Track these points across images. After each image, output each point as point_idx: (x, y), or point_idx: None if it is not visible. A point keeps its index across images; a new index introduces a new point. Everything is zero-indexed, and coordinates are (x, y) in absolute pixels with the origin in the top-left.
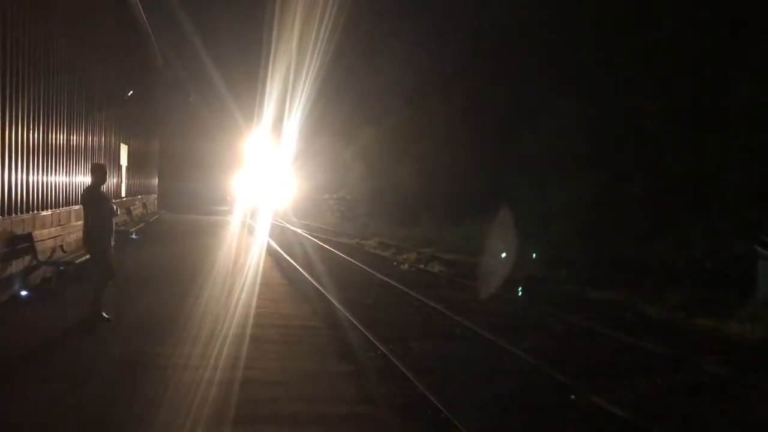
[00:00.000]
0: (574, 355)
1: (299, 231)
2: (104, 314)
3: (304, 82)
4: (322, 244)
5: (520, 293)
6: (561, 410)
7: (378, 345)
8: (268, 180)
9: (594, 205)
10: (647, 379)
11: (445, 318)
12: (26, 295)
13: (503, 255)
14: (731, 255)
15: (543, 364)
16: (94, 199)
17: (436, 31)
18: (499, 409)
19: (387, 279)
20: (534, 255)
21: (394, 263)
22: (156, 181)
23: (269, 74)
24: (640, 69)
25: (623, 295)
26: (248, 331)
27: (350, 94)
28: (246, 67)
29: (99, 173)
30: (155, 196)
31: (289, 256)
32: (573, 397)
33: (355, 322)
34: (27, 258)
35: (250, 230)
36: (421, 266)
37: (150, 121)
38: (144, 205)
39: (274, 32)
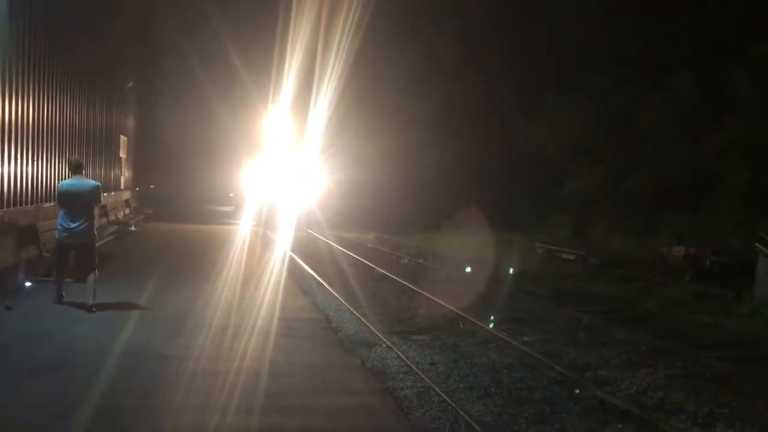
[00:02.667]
0: (576, 348)
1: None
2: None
3: (339, 46)
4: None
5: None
6: (565, 402)
7: None
8: (290, 174)
9: (591, 200)
10: (648, 372)
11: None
12: (30, 286)
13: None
14: (730, 252)
15: (544, 357)
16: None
17: (433, 22)
18: (503, 400)
19: None
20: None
21: None
22: (129, 173)
23: (291, 29)
24: (639, 65)
25: (621, 289)
26: None
27: (375, 84)
28: (261, 25)
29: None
30: (128, 194)
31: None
32: (577, 391)
33: None
34: (31, 249)
35: (269, 246)
36: None
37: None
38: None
39: None
